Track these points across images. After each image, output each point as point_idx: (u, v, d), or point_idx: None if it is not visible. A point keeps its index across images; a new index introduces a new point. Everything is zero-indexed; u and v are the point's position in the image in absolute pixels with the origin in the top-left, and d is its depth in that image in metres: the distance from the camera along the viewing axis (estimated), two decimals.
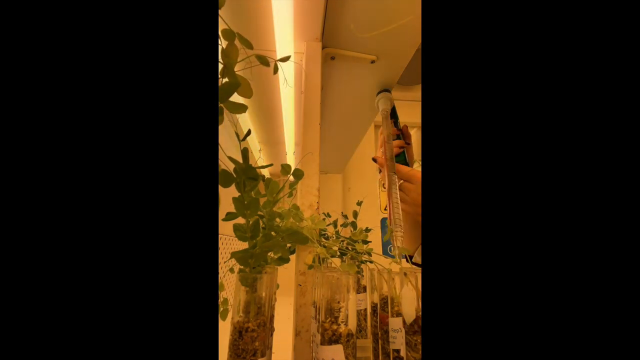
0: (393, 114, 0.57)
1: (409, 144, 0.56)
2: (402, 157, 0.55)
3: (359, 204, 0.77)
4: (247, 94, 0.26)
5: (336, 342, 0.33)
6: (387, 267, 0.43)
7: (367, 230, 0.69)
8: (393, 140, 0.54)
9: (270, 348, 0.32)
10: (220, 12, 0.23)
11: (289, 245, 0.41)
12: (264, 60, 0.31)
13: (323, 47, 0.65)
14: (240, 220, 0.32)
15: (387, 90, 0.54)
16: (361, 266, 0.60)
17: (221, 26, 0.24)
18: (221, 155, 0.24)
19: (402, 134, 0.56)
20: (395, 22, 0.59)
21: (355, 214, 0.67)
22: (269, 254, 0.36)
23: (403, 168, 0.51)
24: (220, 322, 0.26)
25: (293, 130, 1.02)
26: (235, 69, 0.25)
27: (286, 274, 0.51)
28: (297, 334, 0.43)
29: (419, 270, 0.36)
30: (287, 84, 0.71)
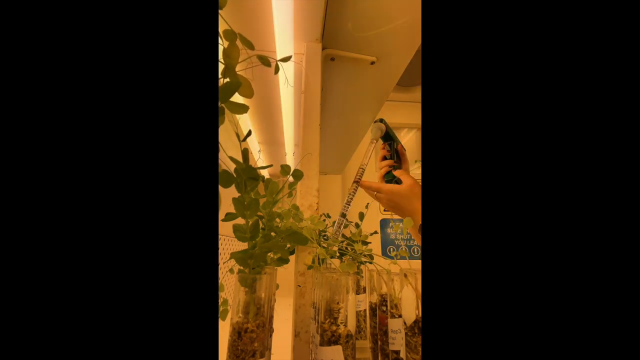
0: (387, 138, 0.61)
1: (396, 163, 0.60)
2: (391, 176, 0.59)
3: (367, 206, 0.72)
4: (248, 94, 0.26)
5: (335, 343, 0.33)
6: (386, 268, 0.43)
7: (372, 234, 0.68)
8: (381, 161, 0.61)
9: (270, 349, 0.32)
10: (220, 12, 0.23)
11: (288, 245, 0.41)
12: (265, 61, 0.31)
13: (323, 48, 0.65)
14: (240, 220, 0.32)
15: (381, 120, 0.59)
16: (360, 267, 0.60)
17: (222, 27, 0.24)
18: (221, 156, 0.24)
19: (395, 155, 0.62)
20: (394, 22, 0.60)
21: (362, 216, 0.66)
22: (268, 254, 0.36)
23: (372, 184, 0.57)
24: (220, 323, 0.26)
25: (293, 131, 1.02)
26: (236, 69, 0.25)
27: (286, 275, 0.51)
28: (296, 334, 0.43)
29: (419, 271, 0.36)
30: (288, 84, 0.72)
